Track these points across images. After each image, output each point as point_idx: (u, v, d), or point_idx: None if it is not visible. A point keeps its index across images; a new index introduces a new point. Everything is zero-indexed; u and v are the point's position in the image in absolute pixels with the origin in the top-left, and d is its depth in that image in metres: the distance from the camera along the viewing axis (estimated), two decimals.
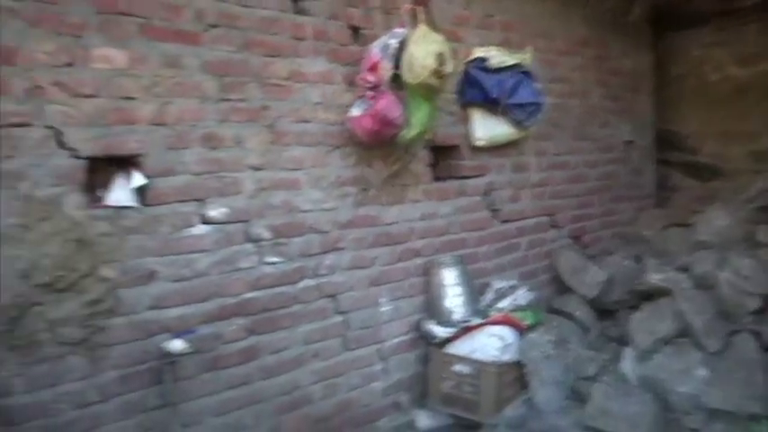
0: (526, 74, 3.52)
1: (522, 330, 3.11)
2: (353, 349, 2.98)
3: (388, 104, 2.68)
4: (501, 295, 3.32)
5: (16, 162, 2.07)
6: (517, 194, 3.81)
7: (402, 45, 2.74)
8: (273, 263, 2.70)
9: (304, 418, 2.79)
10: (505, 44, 3.68)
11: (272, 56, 2.71)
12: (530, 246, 3.87)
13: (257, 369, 2.65)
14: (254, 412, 2.63)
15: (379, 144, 2.90)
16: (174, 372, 2.36)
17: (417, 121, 2.82)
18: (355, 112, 2.78)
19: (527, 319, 3.17)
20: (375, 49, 2.75)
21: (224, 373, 2.55)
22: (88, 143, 2.23)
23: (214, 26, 2.54)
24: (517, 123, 3.52)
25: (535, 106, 3.53)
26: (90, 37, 2.23)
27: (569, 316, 3.53)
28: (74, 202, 2.20)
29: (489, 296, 3.35)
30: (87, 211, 2.23)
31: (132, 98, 2.33)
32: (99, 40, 2.25)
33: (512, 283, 3.42)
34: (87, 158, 2.23)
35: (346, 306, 2.95)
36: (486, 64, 3.39)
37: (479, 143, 3.47)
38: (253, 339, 2.64)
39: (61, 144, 2.17)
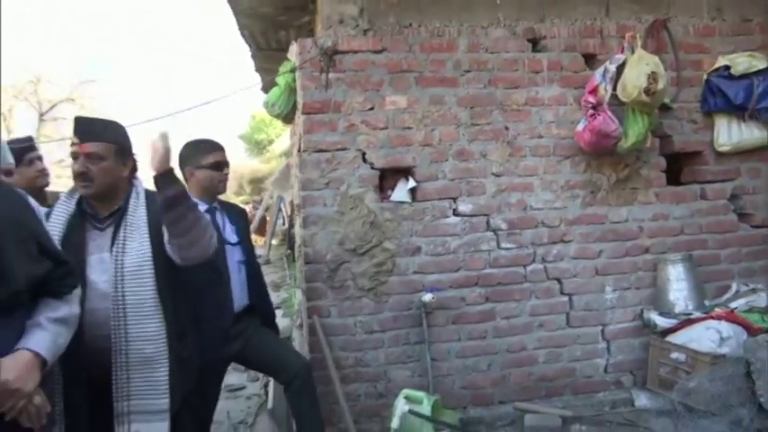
0: None
1: (750, 330, 3.18)
2: (577, 326, 3.52)
3: (604, 120, 3.18)
4: (737, 296, 3.39)
5: (339, 172, 3.34)
6: None
7: (620, 69, 3.21)
8: (508, 248, 3.47)
9: (528, 374, 3.47)
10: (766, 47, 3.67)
11: (513, 88, 3.48)
12: None
13: (491, 328, 3.45)
14: (487, 361, 3.44)
15: (601, 153, 3.39)
16: (428, 319, 3.35)
17: (634, 132, 3.23)
18: (579, 127, 3.35)
19: (761, 322, 3.21)
20: (596, 75, 3.28)
21: (466, 326, 3.43)
22: (381, 159, 3.38)
23: (468, 71, 3.45)
24: None
25: None
26: (384, 89, 3.38)
27: None
28: (371, 198, 3.38)
29: (726, 296, 3.46)
30: (378, 204, 3.38)
31: (409, 128, 3.41)
32: (390, 91, 3.39)
33: (754, 286, 3.44)
34: (380, 170, 3.39)
35: (571, 289, 3.51)
36: (731, 71, 3.49)
37: (723, 149, 3.58)
38: (489, 305, 3.45)
39: (364, 160, 3.37)
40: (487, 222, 3.46)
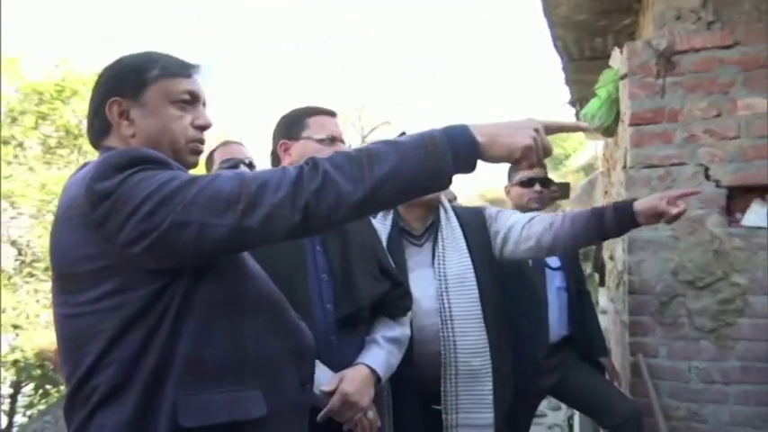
0: None
1: None
2: None
3: None
4: None
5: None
6: None
7: None
8: None
9: None
10: None
11: None
12: None
13: None
14: None
15: None
16: None
17: None
18: None
19: None
20: None
21: None
22: (729, 176, 2.82)
23: None
24: None
25: None
26: (736, 91, 2.82)
27: None
28: (714, 222, 2.83)
29: None
30: (725, 229, 2.82)
31: None
32: (743, 92, 2.81)
33: None
34: (727, 188, 2.83)
35: None
36: None
37: None
38: None
39: (707, 177, 2.85)
40: None
